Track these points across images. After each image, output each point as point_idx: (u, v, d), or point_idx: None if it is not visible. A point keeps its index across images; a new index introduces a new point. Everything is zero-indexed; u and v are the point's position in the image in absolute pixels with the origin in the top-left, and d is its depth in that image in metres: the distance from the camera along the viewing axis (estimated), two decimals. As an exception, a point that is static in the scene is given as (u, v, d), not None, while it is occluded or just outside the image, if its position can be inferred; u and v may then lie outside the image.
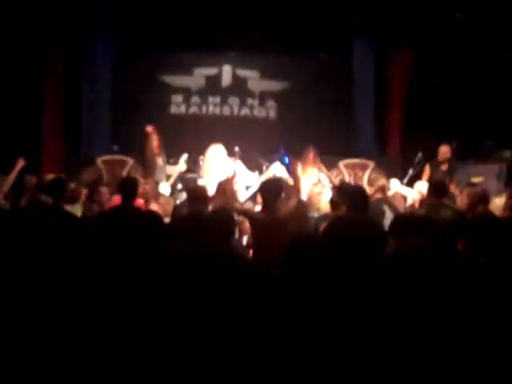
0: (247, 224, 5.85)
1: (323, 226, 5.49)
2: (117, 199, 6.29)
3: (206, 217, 5.09)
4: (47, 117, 10.57)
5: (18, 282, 4.09)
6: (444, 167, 8.75)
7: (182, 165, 8.60)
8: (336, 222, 5.40)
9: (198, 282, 4.15)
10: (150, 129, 8.76)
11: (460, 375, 3.74)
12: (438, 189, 6.05)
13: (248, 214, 5.76)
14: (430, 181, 6.82)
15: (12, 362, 3.74)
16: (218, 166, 7.99)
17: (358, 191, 5.66)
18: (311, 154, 8.60)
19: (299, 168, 8.38)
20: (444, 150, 8.84)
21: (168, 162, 8.94)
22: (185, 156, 8.60)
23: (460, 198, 6.50)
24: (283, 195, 5.74)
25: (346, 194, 5.68)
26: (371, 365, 3.65)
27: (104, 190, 7.21)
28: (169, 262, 4.41)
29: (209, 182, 7.66)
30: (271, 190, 5.56)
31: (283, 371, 3.71)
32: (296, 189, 5.97)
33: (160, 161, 8.73)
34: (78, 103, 11.02)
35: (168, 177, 8.64)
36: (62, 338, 3.76)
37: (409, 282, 4.10)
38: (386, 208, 6.82)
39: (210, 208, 5.84)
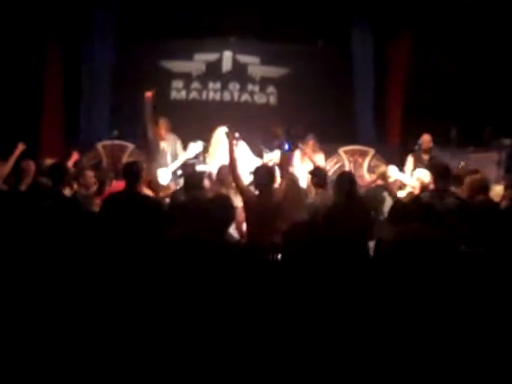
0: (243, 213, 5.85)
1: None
2: (119, 184, 6.31)
3: (203, 204, 5.12)
4: (47, 102, 10.54)
5: (17, 266, 4.11)
6: (426, 157, 8.73)
7: (190, 151, 8.54)
8: (328, 210, 5.44)
9: (194, 269, 4.16)
10: (149, 94, 8.57)
11: (461, 364, 3.77)
12: (442, 175, 6.04)
13: (244, 194, 5.74)
14: (431, 168, 6.80)
15: (9, 348, 3.78)
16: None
17: (344, 178, 5.72)
18: (311, 142, 8.62)
19: (299, 155, 8.43)
20: (427, 139, 8.84)
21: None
22: (199, 144, 8.52)
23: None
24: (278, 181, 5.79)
25: (334, 181, 5.80)
26: (373, 351, 3.67)
27: (89, 173, 7.25)
28: (165, 249, 4.43)
29: (216, 164, 7.62)
30: (264, 176, 5.59)
31: (283, 359, 3.73)
32: (285, 171, 5.98)
33: (163, 145, 8.68)
34: (78, 88, 10.99)
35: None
36: (62, 321, 3.79)
37: (411, 267, 4.11)
38: (386, 195, 6.85)
39: (210, 194, 5.87)
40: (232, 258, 4.38)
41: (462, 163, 7.93)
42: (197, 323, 3.86)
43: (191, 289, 4.05)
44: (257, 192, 5.72)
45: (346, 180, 5.69)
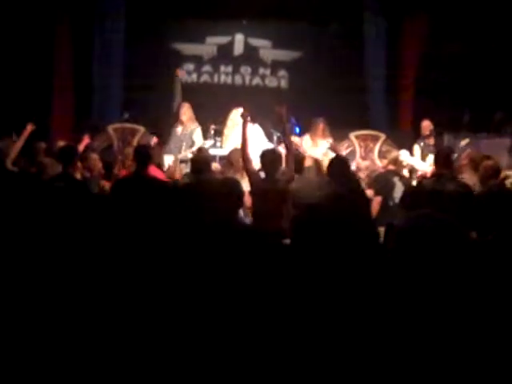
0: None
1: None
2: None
3: (209, 186, 5.12)
4: (57, 83, 10.57)
5: (26, 248, 4.13)
6: (430, 141, 8.70)
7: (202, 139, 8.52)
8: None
9: (203, 252, 4.17)
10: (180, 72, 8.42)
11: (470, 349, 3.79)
12: (439, 161, 5.96)
13: (251, 177, 5.70)
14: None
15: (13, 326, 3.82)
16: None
17: (337, 162, 5.70)
18: (321, 126, 8.57)
19: (309, 139, 8.40)
20: (425, 125, 8.82)
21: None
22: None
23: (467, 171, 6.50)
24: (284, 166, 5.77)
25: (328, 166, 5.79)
26: (388, 333, 3.70)
27: (94, 156, 7.23)
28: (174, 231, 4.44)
29: (231, 146, 7.60)
30: (270, 160, 5.55)
31: (292, 344, 3.75)
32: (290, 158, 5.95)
33: (178, 130, 8.63)
34: (89, 70, 10.98)
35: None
36: (73, 302, 3.82)
37: (424, 253, 4.10)
38: (396, 180, 6.82)
39: (218, 177, 5.86)
40: (241, 242, 4.38)
41: (469, 150, 7.85)
42: (206, 306, 3.87)
43: (201, 273, 4.06)
44: (263, 176, 5.69)
45: (338, 165, 5.65)
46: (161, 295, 3.98)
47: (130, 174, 5.64)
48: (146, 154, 5.51)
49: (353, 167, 7.73)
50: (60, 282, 3.95)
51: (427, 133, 8.75)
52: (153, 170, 6.12)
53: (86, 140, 7.71)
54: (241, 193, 4.91)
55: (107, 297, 3.96)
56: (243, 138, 5.84)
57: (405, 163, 7.41)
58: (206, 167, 5.87)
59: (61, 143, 7.30)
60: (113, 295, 3.97)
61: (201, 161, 6.04)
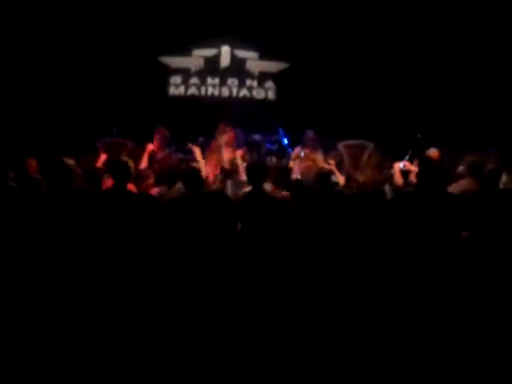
0: None
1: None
2: (109, 181, 6.22)
3: (201, 199, 5.14)
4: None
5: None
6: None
7: None
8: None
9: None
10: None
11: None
12: (424, 169, 5.95)
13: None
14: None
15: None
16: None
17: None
18: (311, 139, 8.53)
19: (301, 152, 8.40)
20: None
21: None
22: None
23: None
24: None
25: None
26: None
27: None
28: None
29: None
30: (256, 172, 5.48)
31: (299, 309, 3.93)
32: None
33: None
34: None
35: None
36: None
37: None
38: (386, 187, 6.84)
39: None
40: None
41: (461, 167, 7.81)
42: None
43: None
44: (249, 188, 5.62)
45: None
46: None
47: (109, 189, 5.52)
48: (124, 169, 5.34)
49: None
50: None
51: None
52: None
53: (103, 156, 7.57)
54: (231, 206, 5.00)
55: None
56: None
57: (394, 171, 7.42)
58: (195, 179, 5.80)
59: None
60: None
61: (191, 173, 5.98)
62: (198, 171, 5.47)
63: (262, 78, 11.70)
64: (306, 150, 8.36)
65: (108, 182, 6.28)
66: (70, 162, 4.99)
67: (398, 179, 7.23)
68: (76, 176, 5.18)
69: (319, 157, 8.39)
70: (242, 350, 4.13)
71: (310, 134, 8.53)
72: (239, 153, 7.69)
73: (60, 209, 4.73)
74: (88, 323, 4.25)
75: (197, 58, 11.56)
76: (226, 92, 11.68)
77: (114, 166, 5.29)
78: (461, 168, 7.12)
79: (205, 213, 5.03)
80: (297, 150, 8.48)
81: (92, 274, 4.47)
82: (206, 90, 11.66)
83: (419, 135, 9.00)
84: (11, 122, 9.91)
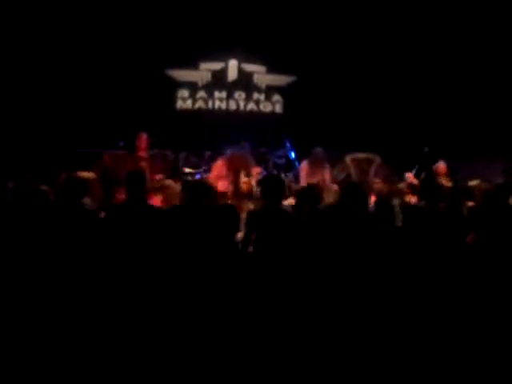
0: None
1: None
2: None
3: (209, 211, 5.12)
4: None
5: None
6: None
7: None
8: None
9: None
10: None
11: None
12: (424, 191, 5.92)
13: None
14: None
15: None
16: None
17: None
18: (319, 155, 8.41)
19: (307, 167, 8.34)
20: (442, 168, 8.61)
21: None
22: None
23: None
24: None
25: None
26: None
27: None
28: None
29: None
30: (272, 187, 5.37)
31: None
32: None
33: None
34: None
35: None
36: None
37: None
38: (395, 201, 6.81)
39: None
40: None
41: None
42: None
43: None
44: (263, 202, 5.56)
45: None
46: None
47: (124, 201, 5.50)
48: (138, 180, 5.31)
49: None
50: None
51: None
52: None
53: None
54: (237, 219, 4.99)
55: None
56: None
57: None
58: (203, 192, 5.77)
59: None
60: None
61: (199, 186, 5.94)
62: (206, 185, 5.43)
63: (270, 91, 11.72)
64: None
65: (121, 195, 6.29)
66: (88, 175, 5.01)
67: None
68: (93, 188, 5.19)
69: (327, 172, 8.35)
70: (250, 361, 4.09)
71: (319, 153, 8.37)
72: (256, 170, 7.67)
73: (65, 222, 4.72)
74: (91, 331, 4.23)
75: (204, 71, 11.59)
76: (233, 105, 11.70)
77: (130, 179, 5.25)
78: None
79: (200, 225, 4.98)
80: (303, 164, 8.44)
81: (98, 283, 4.46)
82: (214, 104, 11.68)
83: (426, 148, 8.99)
84: (19, 134, 9.96)
